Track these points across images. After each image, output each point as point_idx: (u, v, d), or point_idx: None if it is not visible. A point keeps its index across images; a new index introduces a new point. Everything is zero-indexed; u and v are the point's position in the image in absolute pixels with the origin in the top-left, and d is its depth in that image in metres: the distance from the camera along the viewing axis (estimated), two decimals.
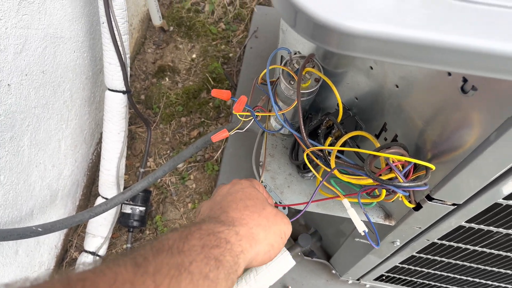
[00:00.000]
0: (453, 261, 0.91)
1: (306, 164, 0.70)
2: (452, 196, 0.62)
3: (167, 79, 1.76)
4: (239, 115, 0.68)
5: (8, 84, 1.01)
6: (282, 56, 0.82)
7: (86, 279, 0.38)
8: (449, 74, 0.48)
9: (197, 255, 0.45)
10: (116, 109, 1.29)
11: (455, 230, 0.75)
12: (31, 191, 1.18)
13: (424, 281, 1.10)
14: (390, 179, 0.57)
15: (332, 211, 0.79)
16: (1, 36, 0.96)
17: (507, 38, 0.34)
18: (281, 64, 0.70)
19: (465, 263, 0.91)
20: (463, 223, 0.71)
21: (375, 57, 0.38)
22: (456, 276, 1.00)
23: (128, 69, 1.29)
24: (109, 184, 1.33)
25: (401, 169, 0.55)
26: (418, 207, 0.69)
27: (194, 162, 1.58)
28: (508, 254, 0.81)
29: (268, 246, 0.57)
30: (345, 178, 0.61)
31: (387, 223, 0.79)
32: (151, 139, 1.61)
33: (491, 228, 0.72)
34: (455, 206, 0.65)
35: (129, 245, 1.39)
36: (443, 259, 0.92)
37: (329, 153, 0.65)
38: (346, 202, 0.63)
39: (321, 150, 0.65)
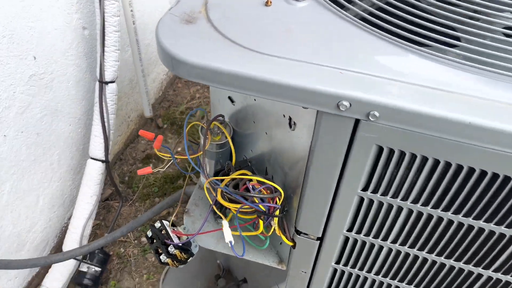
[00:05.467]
0: None
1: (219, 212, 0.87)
2: (311, 228, 0.77)
3: (151, 165, 1.98)
4: (160, 154, 0.88)
5: (4, 135, 1.24)
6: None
7: None
8: (283, 116, 0.68)
9: None
10: (93, 174, 1.50)
11: (332, 277, 0.86)
12: (1, 233, 1.33)
13: None
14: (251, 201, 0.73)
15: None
16: (9, 97, 1.23)
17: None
18: (202, 124, 0.92)
19: None
20: (333, 264, 0.83)
21: (205, 82, 0.59)
22: None
23: (110, 142, 1.53)
24: (72, 241, 1.47)
25: (255, 189, 0.71)
26: (295, 245, 0.83)
27: None
28: None
29: None
30: (225, 203, 0.77)
31: (280, 267, 0.91)
32: (126, 214, 1.78)
33: (359, 272, 0.83)
34: (319, 241, 0.79)
35: None
36: None
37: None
38: (224, 221, 0.78)
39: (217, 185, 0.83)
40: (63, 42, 1.41)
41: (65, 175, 1.60)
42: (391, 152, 0.59)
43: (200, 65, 0.57)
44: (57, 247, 1.64)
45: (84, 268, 1.47)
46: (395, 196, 0.65)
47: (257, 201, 0.71)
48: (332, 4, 0.65)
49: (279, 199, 0.74)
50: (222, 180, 0.80)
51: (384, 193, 0.66)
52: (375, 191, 0.66)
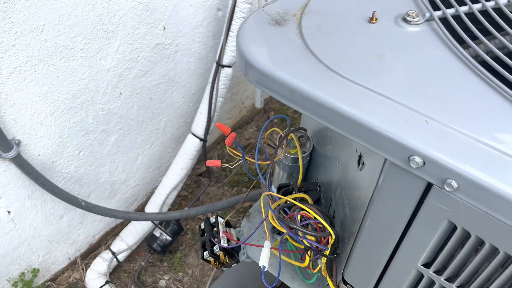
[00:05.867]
0: None
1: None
2: (358, 283, 0.66)
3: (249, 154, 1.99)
4: (231, 152, 0.85)
5: (120, 93, 1.34)
6: None
7: None
8: (355, 150, 0.59)
9: None
10: (189, 149, 1.55)
11: None
12: (97, 178, 1.46)
13: None
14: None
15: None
16: (133, 60, 1.32)
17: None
18: (283, 132, 0.86)
19: None
20: None
21: (270, 93, 0.53)
22: None
23: (213, 124, 1.57)
24: (154, 205, 1.55)
25: (304, 219, 0.64)
26: None
27: None
28: None
29: None
30: (273, 223, 0.71)
31: None
32: (212, 194, 1.82)
33: None
34: None
35: (142, 263, 1.54)
36: None
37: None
38: (267, 242, 0.71)
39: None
40: (194, 19, 1.46)
41: (167, 142, 1.68)
42: (467, 234, 0.46)
43: (267, 73, 0.51)
44: (144, 205, 1.76)
45: (157, 233, 1.54)
46: (463, 286, 0.52)
47: (301, 235, 0.63)
48: (449, 36, 0.53)
49: (330, 239, 0.65)
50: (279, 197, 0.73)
51: (450, 279, 0.53)
52: (438, 272, 0.53)
